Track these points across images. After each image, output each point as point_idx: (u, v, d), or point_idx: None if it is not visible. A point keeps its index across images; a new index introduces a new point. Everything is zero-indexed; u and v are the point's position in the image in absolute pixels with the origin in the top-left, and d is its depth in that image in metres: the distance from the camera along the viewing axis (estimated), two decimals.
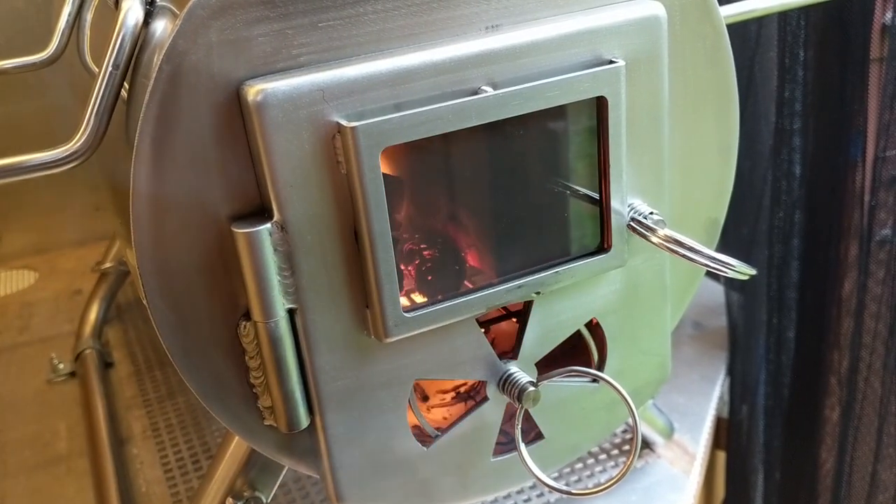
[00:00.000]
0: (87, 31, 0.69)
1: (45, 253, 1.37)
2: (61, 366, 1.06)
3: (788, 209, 0.99)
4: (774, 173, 0.99)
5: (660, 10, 0.52)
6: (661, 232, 0.52)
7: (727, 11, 0.58)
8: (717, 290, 1.06)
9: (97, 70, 0.68)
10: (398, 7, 0.48)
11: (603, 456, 0.81)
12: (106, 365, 1.05)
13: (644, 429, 0.78)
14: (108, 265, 1.11)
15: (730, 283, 1.05)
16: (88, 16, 0.69)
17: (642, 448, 0.84)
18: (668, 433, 0.81)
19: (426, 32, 0.48)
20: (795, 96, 0.95)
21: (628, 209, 0.54)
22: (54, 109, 1.29)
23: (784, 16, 0.91)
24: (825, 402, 0.98)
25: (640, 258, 0.57)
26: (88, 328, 1.09)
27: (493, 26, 0.50)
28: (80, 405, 0.98)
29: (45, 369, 1.06)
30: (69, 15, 0.68)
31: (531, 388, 0.53)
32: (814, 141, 0.95)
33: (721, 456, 1.07)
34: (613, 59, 0.51)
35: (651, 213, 0.54)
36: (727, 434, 1.05)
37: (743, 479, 1.08)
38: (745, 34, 0.94)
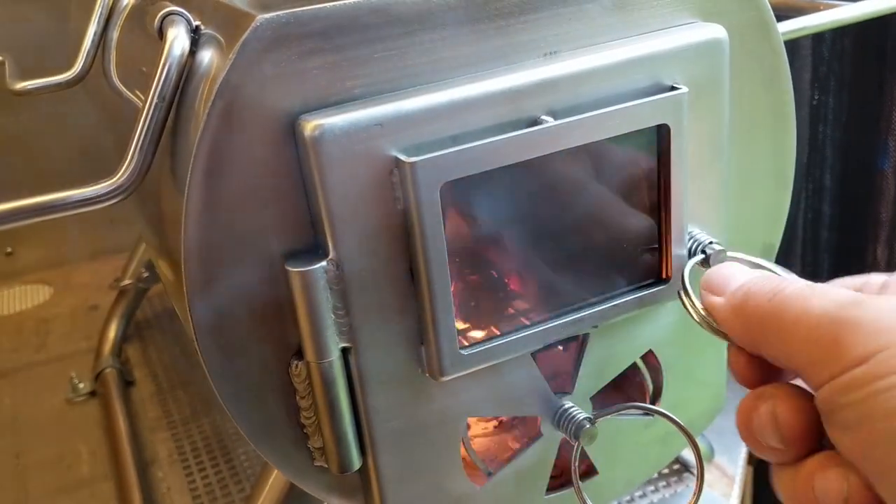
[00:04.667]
0: (114, 51, 0.67)
1: (59, 267, 1.35)
2: (81, 385, 1.04)
3: (820, 223, 0.98)
4: (807, 186, 0.98)
5: (721, 34, 0.50)
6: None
7: (781, 29, 0.56)
8: None
9: (124, 90, 0.66)
10: (454, 35, 0.46)
11: None
12: (127, 384, 1.03)
13: (685, 453, 0.77)
14: (126, 282, 1.09)
15: None
16: (115, 34, 0.67)
17: (682, 471, 0.82)
18: (709, 456, 0.80)
19: (483, 61, 0.47)
20: (828, 111, 0.94)
21: (688, 238, 0.52)
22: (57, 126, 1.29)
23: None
24: None
25: None
26: (108, 346, 1.07)
27: (550, 53, 0.48)
28: (101, 426, 0.97)
29: (64, 388, 1.05)
30: (95, 34, 0.66)
31: (588, 426, 0.52)
32: (847, 155, 0.94)
33: (748, 471, 1.05)
34: (675, 86, 0.49)
35: (710, 242, 0.52)
36: None
37: (772, 496, 1.06)
38: None
